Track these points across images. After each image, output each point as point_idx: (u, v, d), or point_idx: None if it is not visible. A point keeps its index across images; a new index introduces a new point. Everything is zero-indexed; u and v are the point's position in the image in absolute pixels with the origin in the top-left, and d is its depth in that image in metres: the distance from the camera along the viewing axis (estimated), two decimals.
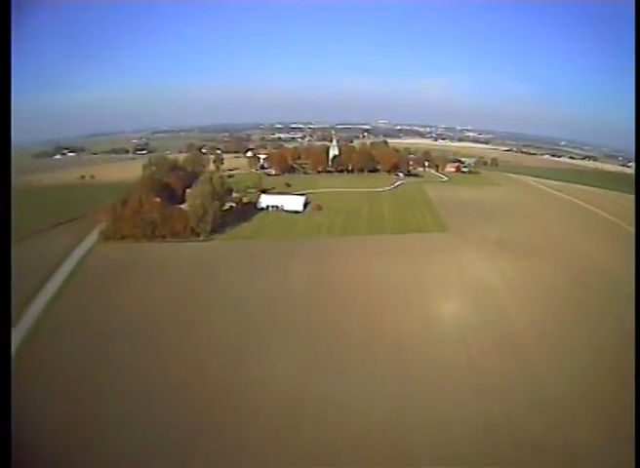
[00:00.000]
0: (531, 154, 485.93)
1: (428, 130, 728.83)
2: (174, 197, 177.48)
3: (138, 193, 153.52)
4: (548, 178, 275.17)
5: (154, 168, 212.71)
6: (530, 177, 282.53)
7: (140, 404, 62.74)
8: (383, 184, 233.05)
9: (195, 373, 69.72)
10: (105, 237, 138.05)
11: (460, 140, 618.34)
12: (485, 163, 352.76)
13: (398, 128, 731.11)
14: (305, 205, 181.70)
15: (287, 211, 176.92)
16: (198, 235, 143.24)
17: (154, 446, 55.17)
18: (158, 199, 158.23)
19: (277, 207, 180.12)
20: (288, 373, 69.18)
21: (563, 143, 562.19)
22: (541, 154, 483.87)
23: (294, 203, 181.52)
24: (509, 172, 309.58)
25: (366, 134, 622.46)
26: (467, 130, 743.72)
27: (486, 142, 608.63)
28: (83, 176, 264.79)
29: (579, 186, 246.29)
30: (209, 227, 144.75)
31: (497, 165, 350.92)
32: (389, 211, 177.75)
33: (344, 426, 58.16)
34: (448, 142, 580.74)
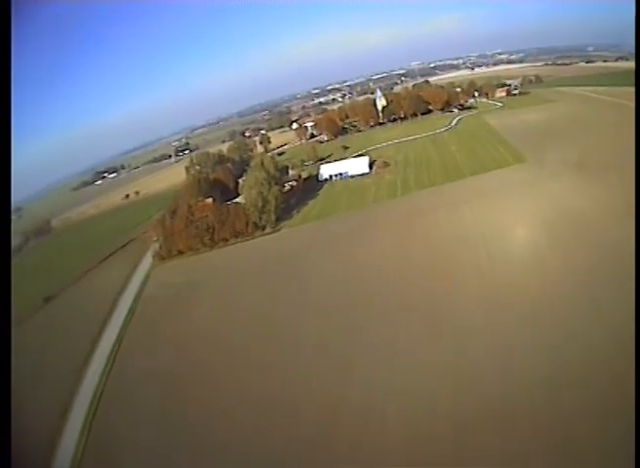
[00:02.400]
0: (566, 65, 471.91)
1: (461, 61, 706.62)
2: (227, 193, 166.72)
3: (185, 199, 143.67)
4: (594, 85, 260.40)
5: (198, 167, 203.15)
6: (577, 88, 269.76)
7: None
8: (442, 124, 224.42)
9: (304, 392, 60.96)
10: (161, 257, 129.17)
11: (495, 65, 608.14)
12: (530, 81, 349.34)
13: (432, 65, 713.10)
14: (371, 165, 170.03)
15: (353, 176, 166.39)
16: (263, 228, 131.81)
17: None
18: (210, 199, 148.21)
19: (341, 174, 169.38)
20: (404, 372, 59.10)
21: (591, 49, 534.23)
22: (576, 63, 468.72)
23: (358, 165, 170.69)
24: (556, 85, 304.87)
25: (403, 78, 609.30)
26: (499, 53, 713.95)
27: (520, 61, 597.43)
28: (127, 195, 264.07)
29: (623, 88, 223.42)
30: (273, 217, 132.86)
31: (542, 81, 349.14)
32: (459, 151, 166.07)
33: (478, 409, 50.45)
34: (484, 69, 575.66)
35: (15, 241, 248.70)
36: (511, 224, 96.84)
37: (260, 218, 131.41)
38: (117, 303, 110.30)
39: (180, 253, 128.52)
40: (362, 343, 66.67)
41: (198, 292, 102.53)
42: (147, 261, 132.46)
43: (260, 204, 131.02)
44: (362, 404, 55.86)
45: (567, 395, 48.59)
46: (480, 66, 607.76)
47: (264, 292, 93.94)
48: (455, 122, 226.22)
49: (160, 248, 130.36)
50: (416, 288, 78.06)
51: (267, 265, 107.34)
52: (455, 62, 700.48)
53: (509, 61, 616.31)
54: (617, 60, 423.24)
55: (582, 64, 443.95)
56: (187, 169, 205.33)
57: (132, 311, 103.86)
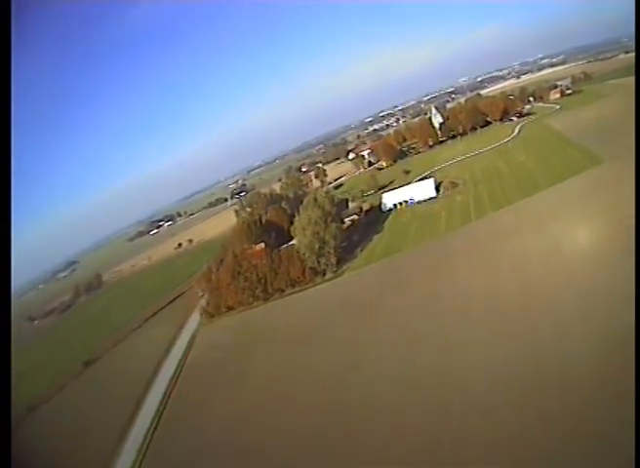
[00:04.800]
0: (608, 58, 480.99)
1: (507, 71, 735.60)
2: (281, 236, 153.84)
3: (232, 248, 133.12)
4: None
5: (249, 209, 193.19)
6: (625, 78, 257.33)
7: None
8: (504, 134, 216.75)
9: None
10: (208, 315, 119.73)
11: (539, 70, 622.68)
12: (579, 79, 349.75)
13: (479, 79, 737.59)
14: (437, 187, 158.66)
15: (419, 202, 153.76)
16: (323, 274, 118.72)
17: None
18: (262, 245, 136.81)
19: (406, 201, 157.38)
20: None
21: (625, 40, 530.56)
22: (616, 55, 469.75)
23: (424, 190, 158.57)
24: (605, 80, 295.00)
25: (453, 95, 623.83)
26: (540, 58, 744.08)
27: (562, 63, 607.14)
28: (180, 244, 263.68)
29: None
30: (333, 259, 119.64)
31: (591, 78, 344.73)
32: (530, 160, 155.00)
33: None
34: (530, 75, 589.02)
35: (64, 297, 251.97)
36: (604, 234, 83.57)
37: (319, 262, 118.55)
38: (159, 370, 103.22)
39: (230, 308, 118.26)
40: (450, 401, 56.14)
41: (251, 355, 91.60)
42: (195, 319, 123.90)
43: (316, 246, 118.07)
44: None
45: None
46: (525, 74, 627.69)
47: (330, 351, 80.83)
48: (517, 130, 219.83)
49: (207, 304, 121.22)
50: (510, 326, 66.00)
51: (332, 318, 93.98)
52: (500, 73, 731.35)
53: (552, 65, 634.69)
54: None
55: (622, 56, 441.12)
56: (237, 212, 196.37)
57: (174, 380, 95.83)
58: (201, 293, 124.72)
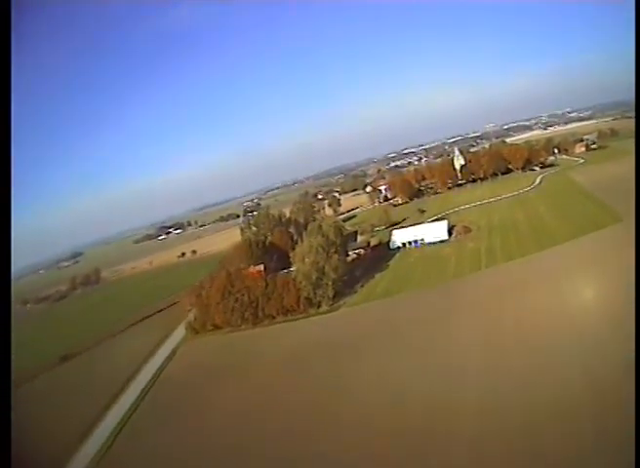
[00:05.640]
0: (634, 116, 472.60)
1: (534, 122, 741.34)
2: (283, 260, 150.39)
3: (229, 265, 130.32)
4: None
5: (255, 228, 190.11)
6: None
7: None
8: (525, 183, 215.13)
9: None
10: (193, 331, 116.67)
11: (566, 123, 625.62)
12: (606, 134, 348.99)
13: (505, 127, 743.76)
14: (450, 230, 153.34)
15: (429, 243, 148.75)
16: (318, 305, 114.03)
17: None
18: (261, 266, 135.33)
19: (416, 241, 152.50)
20: None
21: None
22: None
23: (436, 231, 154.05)
24: (631, 137, 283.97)
25: (478, 140, 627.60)
26: (568, 112, 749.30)
27: (589, 118, 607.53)
28: (183, 254, 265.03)
29: None
30: (331, 292, 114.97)
31: (617, 134, 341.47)
32: (548, 212, 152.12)
33: None
34: (557, 128, 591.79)
35: (61, 286, 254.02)
36: (618, 295, 74.39)
37: (315, 293, 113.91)
38: (133, 379, 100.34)
39: (217, 327, 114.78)
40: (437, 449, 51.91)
41: (228, 379, 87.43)
42: (180, 333, 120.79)
43: (314, 275, 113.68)
44: None
45: None
46: (552, 126, 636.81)
47: (310, 389, 76.03)
48: (539, 180, 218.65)
49: (194, 319, 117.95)
50: (504, 383, 61.04)
51: (319, 353, 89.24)
52: (527, 123, 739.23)
53: (580, 119, 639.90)
54: None
55: None
56: (243, 230, 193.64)
57: (144, 393, 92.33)
58: (189, 308, 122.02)
